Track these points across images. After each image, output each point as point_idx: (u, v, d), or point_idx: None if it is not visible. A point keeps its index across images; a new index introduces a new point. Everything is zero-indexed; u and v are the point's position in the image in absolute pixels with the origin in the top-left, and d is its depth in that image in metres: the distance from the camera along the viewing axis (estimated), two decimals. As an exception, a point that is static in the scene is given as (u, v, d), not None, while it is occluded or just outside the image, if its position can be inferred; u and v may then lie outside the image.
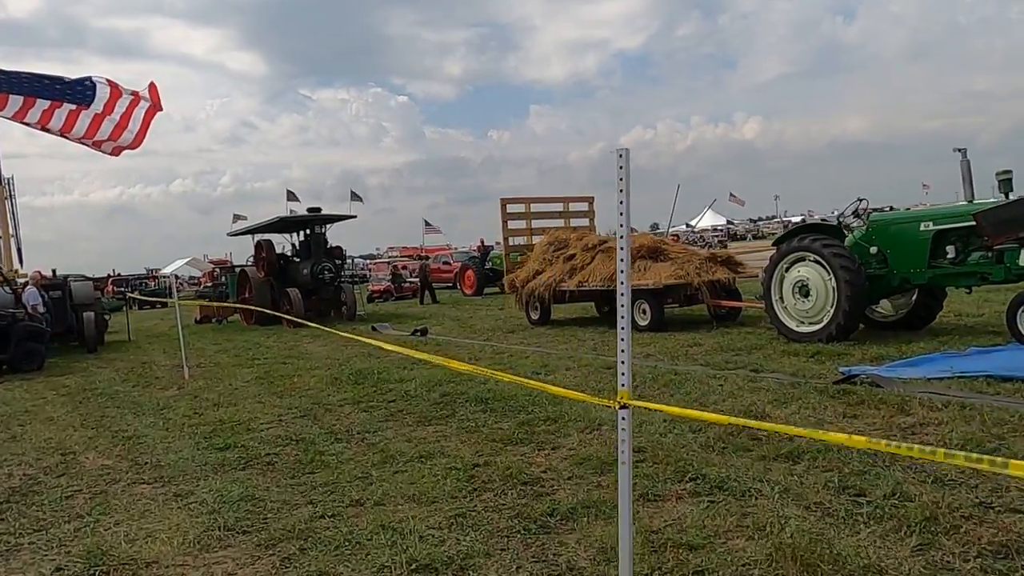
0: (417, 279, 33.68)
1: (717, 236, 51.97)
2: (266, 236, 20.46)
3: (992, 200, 8.41)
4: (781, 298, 9.38)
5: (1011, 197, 8.15)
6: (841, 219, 9.62)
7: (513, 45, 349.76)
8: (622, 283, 2.60)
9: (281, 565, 3.48)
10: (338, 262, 19.59)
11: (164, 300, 20.83)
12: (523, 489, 4.23)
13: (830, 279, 8.71)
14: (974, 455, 1.74)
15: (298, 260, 20.00)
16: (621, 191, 2.56)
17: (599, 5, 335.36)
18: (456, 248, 44.21)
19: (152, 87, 16.77)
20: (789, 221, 71.20)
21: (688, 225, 49.47)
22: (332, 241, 19.97)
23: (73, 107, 16.04)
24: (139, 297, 20.35)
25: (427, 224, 45.49)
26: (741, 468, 4.25)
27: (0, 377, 11.71)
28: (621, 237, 2.56)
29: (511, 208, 15.32)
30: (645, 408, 3.58)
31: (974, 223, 8.08)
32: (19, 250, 17.54)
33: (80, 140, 16.32)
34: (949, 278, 8.59)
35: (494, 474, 4.53)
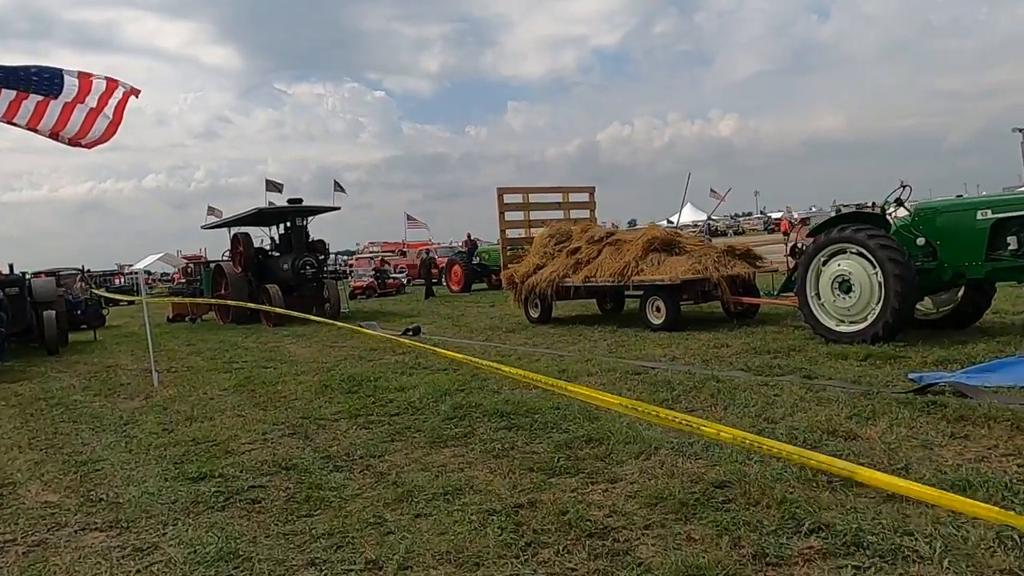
0: (402, 275, 32.71)
1: (696, 232, 51.25)
2: (243, 229, 19.21)
3: None
4: (818, 294, 8.51)
5: None
6: (884, 207, 8.74)
7: (490, 41, 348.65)
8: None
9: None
10: (321, 257, 18.40)
11: (132, 298, 19.47)
12: (591, 544, 3.24)
13: (876, 273, 7.85)
14: None
15: (278, 255, 18.82)
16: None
17: (577, 2, 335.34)
18: (439, 244, 43.09)
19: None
20: (769, 217, 71.25)
21: (669, 221, 48.71)
22: (312, 236, 18.85)
23: (40, 97, 14.75)
24: (103, 295, 18.99)
25: (410, 218, 44.36)
26: (869, 513, 3.30)
27: (-55, 384, 10.49)
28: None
29: (508, 199, 14.28)
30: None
31: None
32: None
33: (50, 134, 15.07)
34: (1013, 272, 7.76)
35: (547, 520, 3.54)
